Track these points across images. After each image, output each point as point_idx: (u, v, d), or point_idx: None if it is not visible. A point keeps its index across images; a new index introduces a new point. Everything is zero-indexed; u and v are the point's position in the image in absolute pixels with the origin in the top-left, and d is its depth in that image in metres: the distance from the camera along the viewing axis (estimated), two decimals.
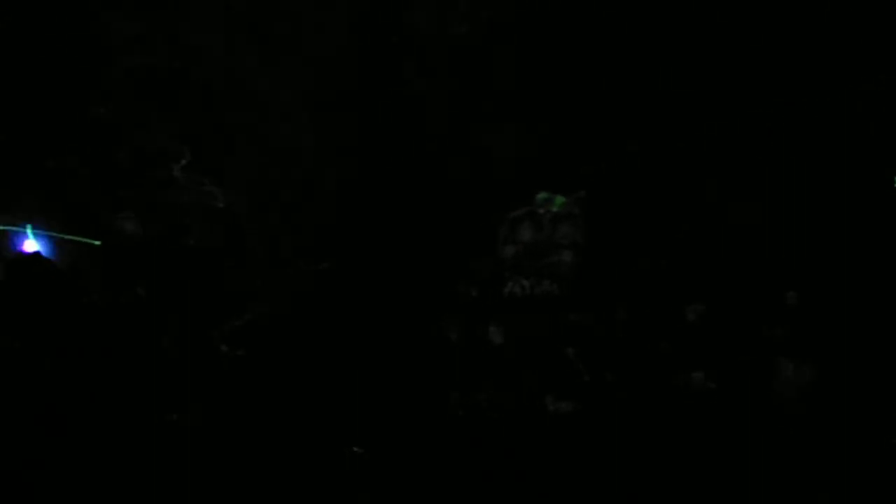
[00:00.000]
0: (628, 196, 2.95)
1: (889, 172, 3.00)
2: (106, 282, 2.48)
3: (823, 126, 2.94)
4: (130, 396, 2.48)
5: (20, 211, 2.45)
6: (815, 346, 2.81)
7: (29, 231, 2.44)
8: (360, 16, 2.66)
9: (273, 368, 2.61)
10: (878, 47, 2.86)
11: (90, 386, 2.45)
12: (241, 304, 2.59)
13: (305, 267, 2.65)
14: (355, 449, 2.60)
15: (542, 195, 2.83)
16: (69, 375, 2.44)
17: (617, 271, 2.89)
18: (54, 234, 2.46)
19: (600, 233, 2.88)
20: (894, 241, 2.98)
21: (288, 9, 2.58)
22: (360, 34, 2.68)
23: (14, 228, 2.44)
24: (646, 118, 2.92)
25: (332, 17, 2.68)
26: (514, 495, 2.64)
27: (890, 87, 2.92)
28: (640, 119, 2.94)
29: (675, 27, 2.84)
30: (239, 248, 2.60)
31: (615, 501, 2.65)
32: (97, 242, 2.48)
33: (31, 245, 2.40)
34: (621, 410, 2.77)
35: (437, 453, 2.70)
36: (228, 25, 2.60)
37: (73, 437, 2.42)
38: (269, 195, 2.63)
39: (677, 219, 2.97)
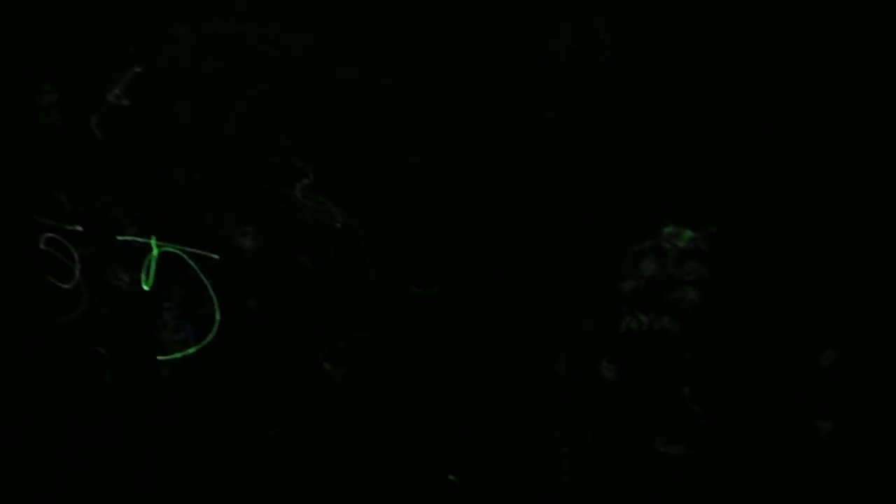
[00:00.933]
0: (762, 233, 2.71)
1: None
2: (220, 294, 2.58)
3: None
4: (231, 408, 2.65)
5: (146, 223, 2.55)
6: None
7: (153, 242, 2.55)
8: (499, 40, 2.46)
9: (374, 390, 2.68)
10: None
11: (197, 395, 2.64)
12: (348, 323, 2.63)
13: (417, 290, 2.63)
14: (451, 477, 2.68)
15: (668, 228, 2.65)
16: (178, 384, 2.63)
17: (745, 312, 2.71)
18: (177, 246, 2.56)
19: (729, 270, 2.68)
20: None
21: (423, 28, 2.42)
22: (497, 58, 2.49)
23: (140, 240, 2.55)
24: (795, 154, 2.61)
25: (469, 40, 2.50)
26: None
27: None
28: (788, 155, 2.64)
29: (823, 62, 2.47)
30: (352, 268, 2.61)
31: None
32: (216, 256, 2.56)
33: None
34: (738, 457, 2.68)
35: (537, 489, 2.74)
36: (365, 49, 2.48)
37: (179, 445, 2.65)
38: (386, 217, 2.59)
39: (815, 259, 2.71)
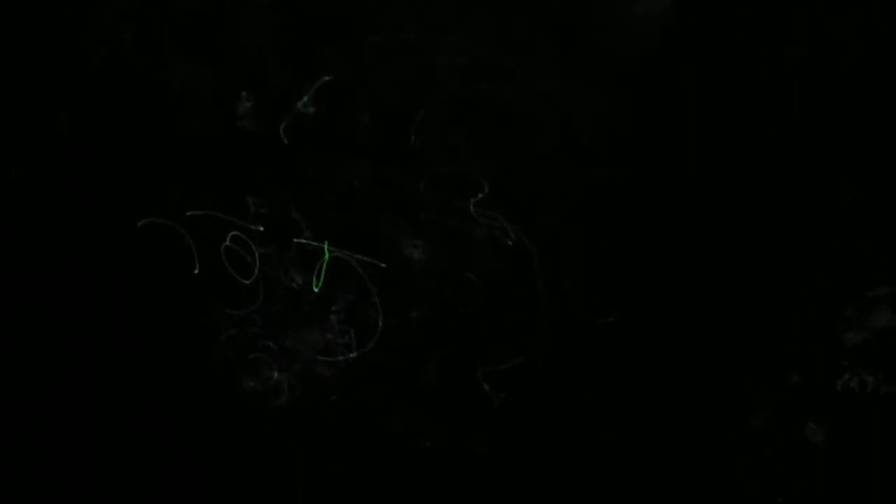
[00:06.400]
0: None
1: None
2: (385, 303, 2.60)
3: None
4: (387, 416, 2.65)
5: (321, 227, 2.62)
6: None
7: (326, 247, 2.61)
8: (712, 55, 2.37)
9: (534, 420, 2.60)
10: None
11: (354, 398, 2.66)
12: (513, 346, 2.58)
13: (589, 317, 2.54)
14: None
15: None
16: (337, 385, 2.66)
17: None
18: (348, 252, 2.61)
19: None
20: None
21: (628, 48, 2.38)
22: (703, 75, 2.40)
23: (314, 243, 2.62)
24: None
25: (681, 60, 2.42)
26: None
27: None
28: None
29: None
30: (521, 288, 2.56)
31: None
32: (383, 265, 2.59)
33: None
34: None
35: None
36: (550, 59, 2.46)
37: (332, 444, 2.67)
38: (563, 237, 2.52)
39: None
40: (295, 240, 2.63)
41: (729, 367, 2.52)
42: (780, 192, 2.47)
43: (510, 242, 2.53)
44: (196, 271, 2.68)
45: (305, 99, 2.59)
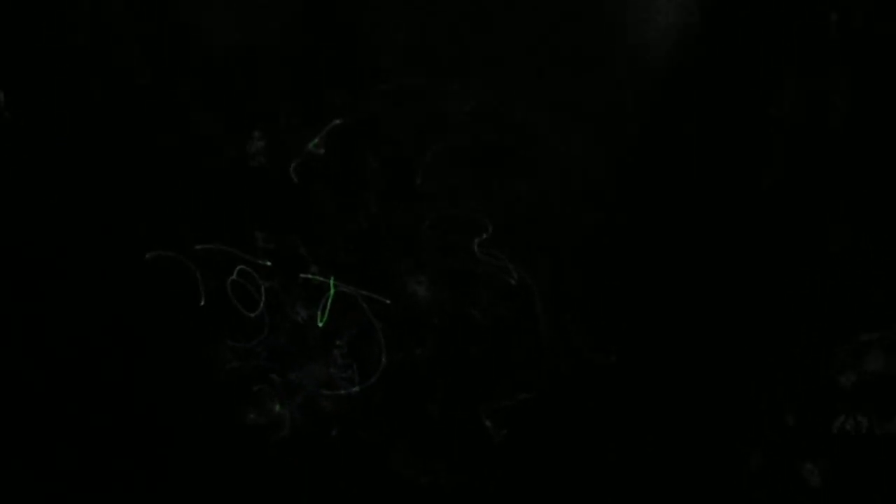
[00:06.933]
0: None
1: None
2: (389, 338, 2.66)
3: None
4: (387, 451, 2.69)
5: (327, 263, 2.68)
6: None
7: (332, 282, 2.67)
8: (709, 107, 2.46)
9: (534, 457, 2.64)
10: None
11: (355, 433, 2.70)
12: (515, 383, 2.63)
13: (591, 357, 2.60)
14: None
15: None
16: (339, 419, 2.71)
17: None
18: (353, 287, 2.67)
19: None
20: None
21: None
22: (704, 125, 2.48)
23: (320, 278, 2.68)
24: None
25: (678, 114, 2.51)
26: None
27: None
28: None
29: None
30: (524, 327, 2.62)
31: None
32: (388, 301, 2.64)
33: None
34: None
35: None
36: (553, 105, 2.54)
37: (331, 480, 2.71)
38: (565, 278, 2.58)
39: None
40: (301, 275, 2.69)
41: (726, 409, 2.58)
42: (776, 238, 2.55)
43: (513, 282, 2.60)
44: (202, 303, 2.73)
45: (316, 140, 2.67)
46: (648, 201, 2.58)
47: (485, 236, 2.60)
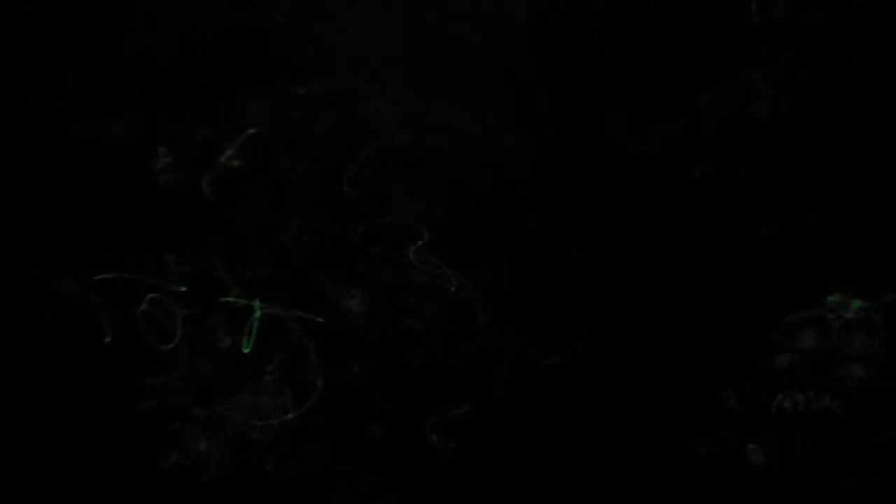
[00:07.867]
0: None
1: None
2: (323, 359, 2.48)
3: None
4: (331, 479, 2.50)
5: (251, 284, 2.49)
6: None
7: (256, 305, 2.47)
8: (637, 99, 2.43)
9: (483, 469, 2.51)
10: None
11: (294, 463, 2.50)
12: (459, 394, 2.49)
13: (535, 359, 2.49)
14: None
15: (834, 297, 2.45)
16: (274, 451, 2.50)
17: None
18: (280, 308, 2.48)
19: None
20: None
21: (554, 87, 2.40)
22: (635, 117, 2.45)
23: (243, 301, 2.48)
24: None
25: (606, 101, 2.47)
26: None
27: None
28: None
29: None
30: (466, 334, 2.49)
31: None
32: (320, 319, 2.47)
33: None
34: None
35: None
36: (477, 104, 2.46)
37: None
38: (505, 282, 2.48)
39: None
40: (222, 298, 2.47)
41: (670, 396, 2.55)
42: (710, 230, 2.55)
43: (452, 289, 2.48)
44: (108, 339, 2.47)
45: (230, 152, 2.49)
46: (586, 197, 2.53)
47: (420, 243, 2.48)
